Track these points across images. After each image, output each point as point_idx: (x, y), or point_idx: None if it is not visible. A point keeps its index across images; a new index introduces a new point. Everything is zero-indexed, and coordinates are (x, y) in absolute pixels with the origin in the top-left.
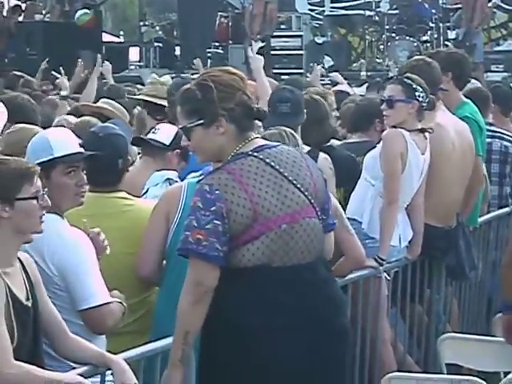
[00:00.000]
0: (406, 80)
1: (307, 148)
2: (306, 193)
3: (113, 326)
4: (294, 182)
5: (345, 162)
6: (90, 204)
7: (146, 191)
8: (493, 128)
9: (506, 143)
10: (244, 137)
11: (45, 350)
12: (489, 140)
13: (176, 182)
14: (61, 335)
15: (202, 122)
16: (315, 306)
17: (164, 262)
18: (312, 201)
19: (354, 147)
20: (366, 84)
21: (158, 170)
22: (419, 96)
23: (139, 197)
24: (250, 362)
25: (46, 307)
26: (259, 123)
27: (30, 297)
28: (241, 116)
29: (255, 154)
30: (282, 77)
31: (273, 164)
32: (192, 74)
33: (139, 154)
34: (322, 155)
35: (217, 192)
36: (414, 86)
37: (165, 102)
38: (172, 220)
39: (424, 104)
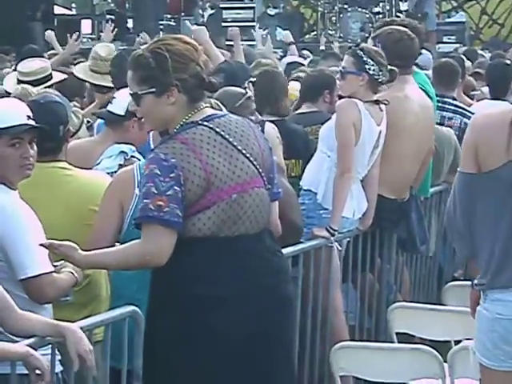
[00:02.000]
0: (358, 52)
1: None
2: (255, 162)
3: (55, 296)
4: (244, 151)
5: (300, 134)
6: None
7: (99, 162)
8: (455, 103)
9: (466, 120)
10: (194, 106)
11: None
12: (450, 115)
13: (133, 157)
14: (7, 311)
15: (153, 90)
16: (260, 276)
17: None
18: (260, 170)
19: (304, 118)
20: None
21: (119, 143)
22: (369, 69)
23: (91, 168)
24: (194, 331)
25: None
26: None
27: None
28: (193, 87)
29: (205, 123)
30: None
31: (223, 133)
32: (141, 45)
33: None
34: (268, 124)
35: (173, 160)
36: (365, 59)
37: (104, 81)
38: (127, 207)
39: (377, 77)
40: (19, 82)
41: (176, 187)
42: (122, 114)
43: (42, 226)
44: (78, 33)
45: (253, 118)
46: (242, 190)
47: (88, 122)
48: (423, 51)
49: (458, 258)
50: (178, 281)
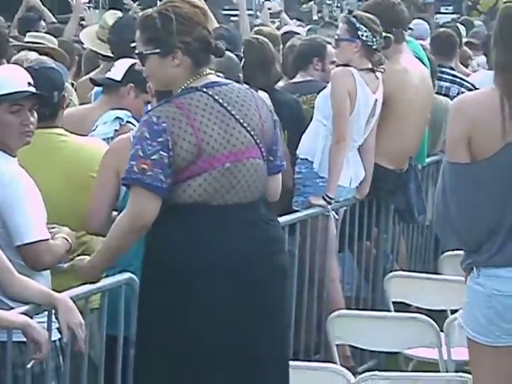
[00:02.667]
0: (351, 19)
1: (245, 86)
2: (252, 132)
3: (51, 263)
4: (241, 121)
5: (288, 104)
6: None
7: (95, 129)
8: (453, 73)
9: (463, 90)
10: (198, 71)
11: None
12: (447, 84)
13: (128, 122)
14: (5, 274)
15: (158, 51)
16: (253, 244)
17: (115, 213)
18: (258, 141)
19: (298, 87)
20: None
21: (115, 109)
22: (362, 35)
23: (87, 135)
24: (182, 299)
25: None
26: None
27: None
28: (197, 50)
29: (205, 89)
30: (232, 18)
31: (221, 101)
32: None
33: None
34: (260, 93)
35: (164, 124)
36: (358, 26)
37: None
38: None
39: (370, 43)
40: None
41: (162, 152)
42: (119, 79)
43: (40, 191)
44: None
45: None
46: (235, 159)
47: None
48: (420, 21)
49: (444, 247)
50: (169, 247)
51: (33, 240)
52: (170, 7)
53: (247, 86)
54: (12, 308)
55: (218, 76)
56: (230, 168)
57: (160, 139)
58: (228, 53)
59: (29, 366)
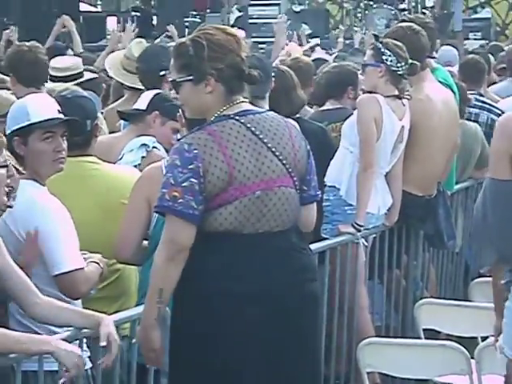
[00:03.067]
0: (376, 44)
1: (279, 116)
2: (285, 161)
3: (87, 292)
4: (273, 149)
5: (314, 133)
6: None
7: (122, 157)
8: (483, 99)
9: (493, 116)
10: (231, 99)
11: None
12: (477, 111)
13: (154, 147)
14: (29, 295)
15: (191, 78)
16: (284, 273)
17: (146, 242)
18: (290, 170)
19: (327, 114)
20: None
21: (140, 135)
22: (387, 60)
23: (114, 163)
24: (215, 329)
25: (9, 268)
26: None
27: None
28: (230, 77)
29: (237, 117)
30: (260, 45)
31: (253, 129)
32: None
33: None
34: (289, 121)
35: (195, 151)
36: (382, 50)
37: (137, 83)
38: (154, 204)
39: (395, 68)
40: (52, 78)
41: (193, 179)
42: (143, 108)
43: (72, 219)
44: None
45: None
46: (266, 188)
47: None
48: (448, 47)
49: (480, 262)
50: (200, 276)
51: (69, 269)
52: (202, 34)
53: (281, 116)
54: (56, 333)
55: (252, 104)
56: (261, 196)
57: (191, 166)
58: None
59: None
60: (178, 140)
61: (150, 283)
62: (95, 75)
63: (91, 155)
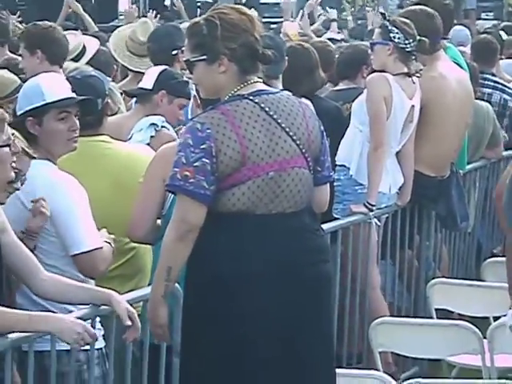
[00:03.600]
0: (384, 22)
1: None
2: (298, 142)
3: (105, 270)
4: (287, 130)
5: (330, 111)
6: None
7: (131, 137)
8: (495, 79)
9: (506, 96)
10: (245, 79)
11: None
12: (489, 91)
13: (163, 127)
14: (34, 272)
15: (204, 57)
16: (296, 254)
17: (159, 221)
18: (304, 151)
19: (341, 94)
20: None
21: (149, 115)
22: (394, 37)
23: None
24: (226, 309)
25: (13, 244)
26: None
27: None
28: (243, 57)
29: (251, 97)
30: (272, 26)
31: (267, 110)
32: (180, 23)
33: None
34: (303, 101)
35: (208, 131)
36: (390, 28)
37: (142, 66)
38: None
39: (403, 46)
40: None
41: (205, 159)
42: (150, 87)
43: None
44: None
45: None
46: (279, 168)
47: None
48: (461, 27)
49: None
50: (212, 256)
51: (89, 248)
52: (216, 14)
53: (295, 96)
54: (71, 311)
55: (266, 84)
56: (274, 177)
57: (203, 146)
58: None
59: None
60: (192, 119)
61: (159, 261)
62: (97, 47)
63: (103, 134)
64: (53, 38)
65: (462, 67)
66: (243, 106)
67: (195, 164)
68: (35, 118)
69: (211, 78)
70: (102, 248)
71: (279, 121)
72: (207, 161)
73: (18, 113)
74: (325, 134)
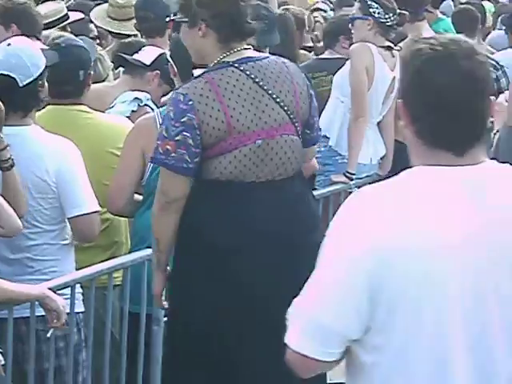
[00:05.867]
0: None
1: (282, 60)
2: (286, 108)
3: (98, 236)
4: (274, 96)
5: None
6: (51, 116)
7: (113, 106)
8: None
9: None
10: (229, 46)
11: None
12: None
13: (146, 105)
14: None
15: (186, 20)
16: (285, 222)
17: (139, 196)
18: (292, 117)
19: (325, 63)
20: None
21: (134, 90)
22: (374, 12)
23: (104, 111)
24: (214, 276)
25: None
26: None
27: None
28: (222, 26)
29: (237, 64)
30: None
31: (253, 77)
32: None
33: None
34: (291, 64)
35: (190, 102)
36: (369, 3)
37: (124, 29)
38: (149, 156)
39: (383, 20)
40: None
41: (185, 132)
42: (148, 63)
43: None
44: None
45: None
46: (267, 136)
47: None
48: None
49: None
50: (202, 224)
51: (91, 210)
52: None
53: (283, 60)
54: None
55: (256, 51)
56: (262, 145)
57: (183, 119)
58: None
59: (48, 335)
60: (176, 89)
61: (153, 238)
62: (81, 16)
63: (83, 104)
64: (27, 13)
65: None
66: (228, 75)
67: (176, 138)
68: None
69: (193, 41)
70: (99, 211)
71: (266, 88)
72: (188, 134)
73: (28, 81)
74: (313, 95)
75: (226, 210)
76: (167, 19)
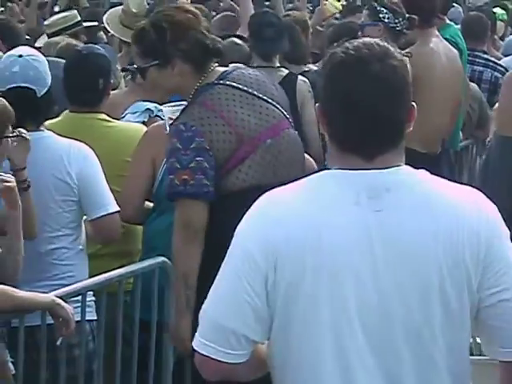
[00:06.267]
0: (372, 4)
1: (286, 71)
2: (278, 105)
3: (119, 236)
4: (265, 97)
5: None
6: (69, 124)
7: (123, 117)
8: (486, 57)
9: (497, 74)
10: (203, 71)
11: None
12: (481, 69)
13: (157, 116)
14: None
15: (157, 62)
16: None
17: (150, 204)
18: (284, 112)
19: None
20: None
21: (145, 100)
22: (384, 18)
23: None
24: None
25: None
26: None
27: None
28: (196, 55)
29: (220, 81)
30: (266, 3)
31: (239, 86)
32: None
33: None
34: (300, 78)
35: (193, 128)
36: (378, 9)
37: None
38: (159, 163)
39: (393, 25)
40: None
41: (199, 157)
42: None
43: None
44: None
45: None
46: (273, 134)
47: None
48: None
49: None
50: (230, 231)
51: (113, 210)
52: (161, 16)
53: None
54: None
55: (224, 66)
56: (272, 143)
57: (192, 145)
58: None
59: (58, 343)
60: (172, 124)
61: (174, 269)
62: (94, 23)
63: (101, 112)
64: (11, 28)
65: (458, 46)
66: (217, 92)
67: (190, 165)
68: None
69: (166, 81)
70: (120, 211)
71: (254, 92)
72: (202, 158)
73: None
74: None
75: None
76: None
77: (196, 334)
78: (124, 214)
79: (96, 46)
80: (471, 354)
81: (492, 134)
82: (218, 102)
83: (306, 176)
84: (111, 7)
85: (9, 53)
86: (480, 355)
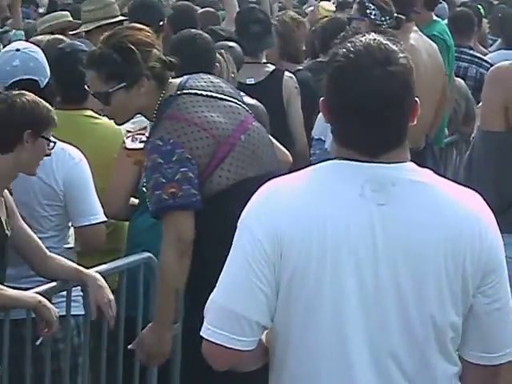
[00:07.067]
0: None
1: (272, 67)
2: (239, 102)
3: (102, 245)
4: (226, 97)
5: (306, 84)
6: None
7: None
8: (472, 53)
9: (482, 70)
10: (164, 86)
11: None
12: (466, 65)
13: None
14: (40, 254)
15: (123, 84)
16: None
17: (136, 200)
18: (245, 107)
19: (321, 66)
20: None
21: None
22: (371, 14)
23: None
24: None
25: (21, 230)
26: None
27: (7, 227)
28: (159, 71)
29: (181, 91)
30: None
31: (200, 92)
32: None
33: None
34: (286, 74)
35: (171, 141)
36: (366, 4)
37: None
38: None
39: (379, 22)
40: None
41: (183, 168)
42: None
43: None
44: None
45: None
46: (245, 130)
47: None
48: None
49: None
50: (221, 227)
51: (98, 221)
52: (122, 38)
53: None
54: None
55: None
56: (246, 138)
57: (174, 158)
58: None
59: (38, 342)
60: (146, 141)
61: (162, 285)
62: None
63: (88, 109)
64: None
65: (446, 42)
66: (181, 101)
67: (176, 177)
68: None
69: (132, 102)
70: (105, 222)
71: (214, 95)
72: (185, 168)
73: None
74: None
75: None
76: (160, 23)
77: (204, 323)
78: (109, 210)
79: (78, 42)
80: None
81: (476, 130)
82: (186, 110)
83: (283, 164)
84: None
85: (5, 49)
86: None
